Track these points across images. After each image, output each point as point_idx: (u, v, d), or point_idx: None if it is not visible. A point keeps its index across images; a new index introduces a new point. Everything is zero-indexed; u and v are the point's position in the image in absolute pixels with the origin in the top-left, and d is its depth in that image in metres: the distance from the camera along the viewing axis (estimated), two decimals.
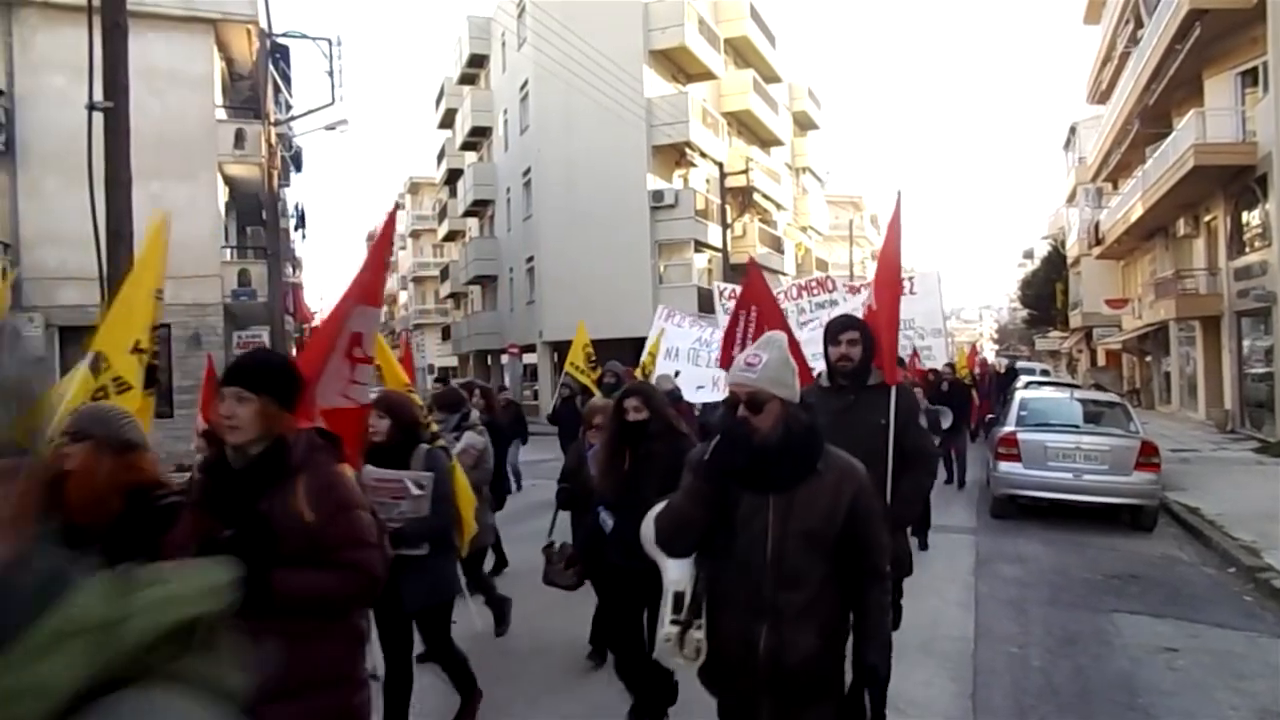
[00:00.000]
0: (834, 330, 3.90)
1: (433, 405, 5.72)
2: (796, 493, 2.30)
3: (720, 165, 27.92)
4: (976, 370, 18.61)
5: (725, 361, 6.15)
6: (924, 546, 7.91)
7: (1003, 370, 21.42)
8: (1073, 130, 36.48)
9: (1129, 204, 23.52)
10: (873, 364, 3.90)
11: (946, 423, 9.42)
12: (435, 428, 4.70)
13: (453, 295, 44.33)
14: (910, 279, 13.07)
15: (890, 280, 4.49)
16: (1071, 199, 36.97)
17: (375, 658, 4.36)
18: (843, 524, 2.31)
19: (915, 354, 11.60)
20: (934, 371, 12.20)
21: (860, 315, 4.68)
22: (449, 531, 4.12)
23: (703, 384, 9.04)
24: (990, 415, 13.91)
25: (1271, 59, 15.62)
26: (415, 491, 3.73)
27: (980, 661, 5.24)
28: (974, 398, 14.39)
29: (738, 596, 2.34)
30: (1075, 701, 4.72)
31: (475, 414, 6.06)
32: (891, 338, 4.28)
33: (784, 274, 31.52)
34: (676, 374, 8.91)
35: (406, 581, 3.57)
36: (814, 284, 9.51)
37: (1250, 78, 17.61)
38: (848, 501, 2.32)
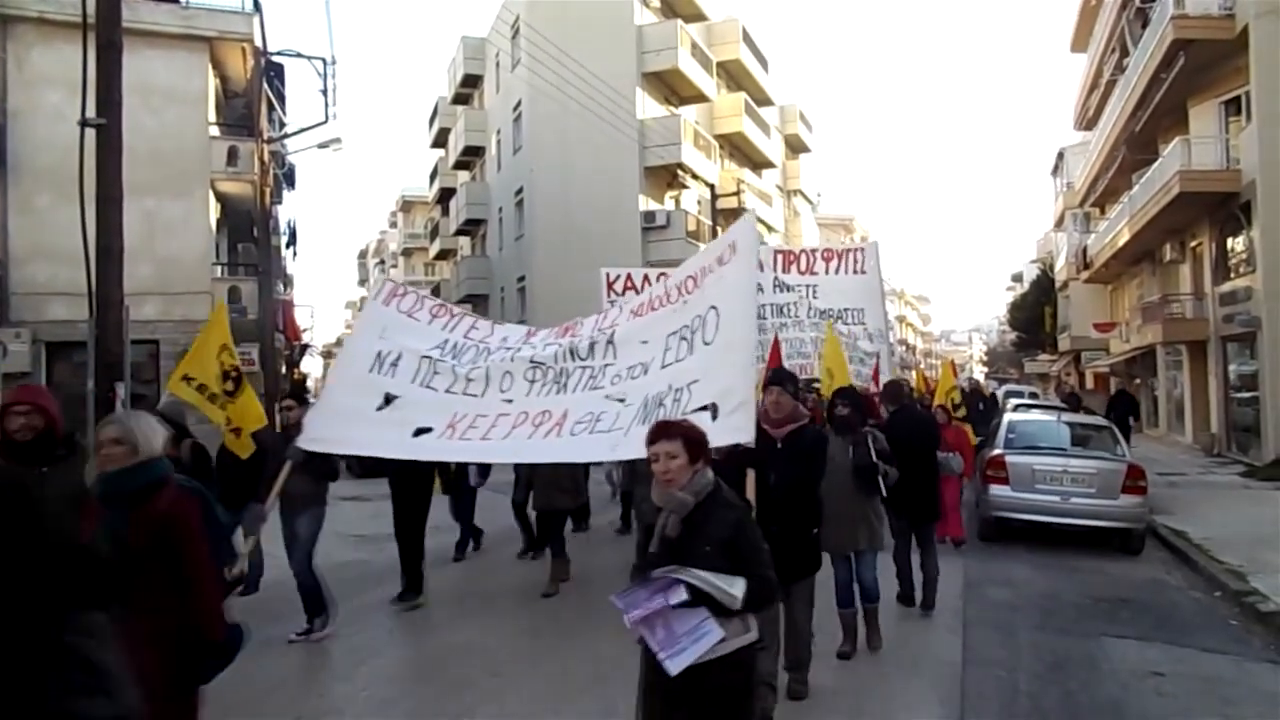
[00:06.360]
0: None
1: None
2: None
3: (712, 187, 28.05)
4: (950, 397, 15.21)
5: None
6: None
7: (973, 392, 16.86)
8: (1060, 156, 36.85)
9: (1116, 229, 23.75)
10: None
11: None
12: None
13: None
14: (858, 250, 9.93)
15: None
16: (1060, 224, 37.31)
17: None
18: None
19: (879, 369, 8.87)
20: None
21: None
22: None
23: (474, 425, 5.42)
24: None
25: (1254, 89, 15.90)
26: None
27: (968, 685, 5.22)
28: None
29: None
30: None
31: None
32: None
33: None
34: (388, 399, 5.52)
35: None
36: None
37: (1234, 106, 17.86)
38: None
